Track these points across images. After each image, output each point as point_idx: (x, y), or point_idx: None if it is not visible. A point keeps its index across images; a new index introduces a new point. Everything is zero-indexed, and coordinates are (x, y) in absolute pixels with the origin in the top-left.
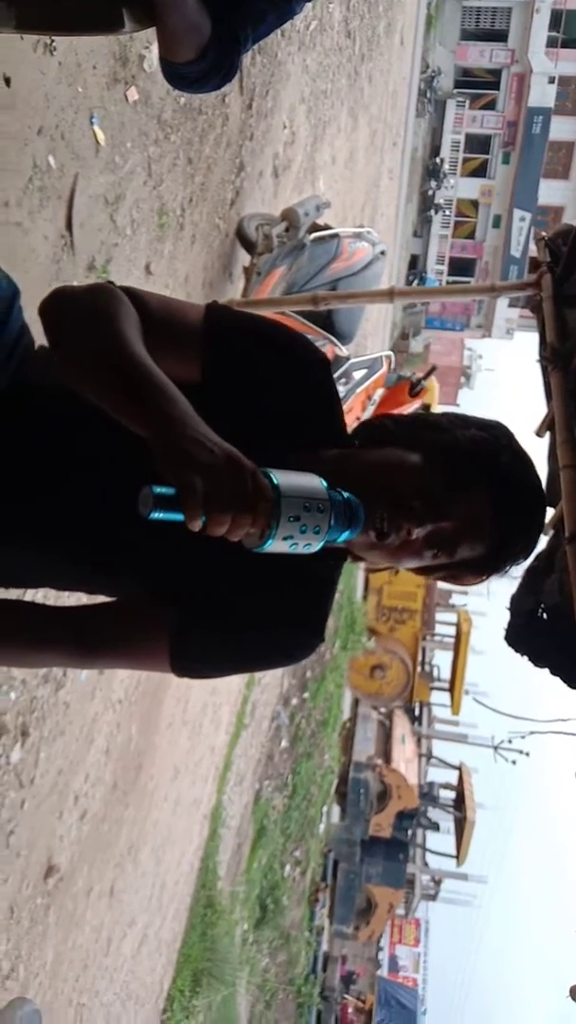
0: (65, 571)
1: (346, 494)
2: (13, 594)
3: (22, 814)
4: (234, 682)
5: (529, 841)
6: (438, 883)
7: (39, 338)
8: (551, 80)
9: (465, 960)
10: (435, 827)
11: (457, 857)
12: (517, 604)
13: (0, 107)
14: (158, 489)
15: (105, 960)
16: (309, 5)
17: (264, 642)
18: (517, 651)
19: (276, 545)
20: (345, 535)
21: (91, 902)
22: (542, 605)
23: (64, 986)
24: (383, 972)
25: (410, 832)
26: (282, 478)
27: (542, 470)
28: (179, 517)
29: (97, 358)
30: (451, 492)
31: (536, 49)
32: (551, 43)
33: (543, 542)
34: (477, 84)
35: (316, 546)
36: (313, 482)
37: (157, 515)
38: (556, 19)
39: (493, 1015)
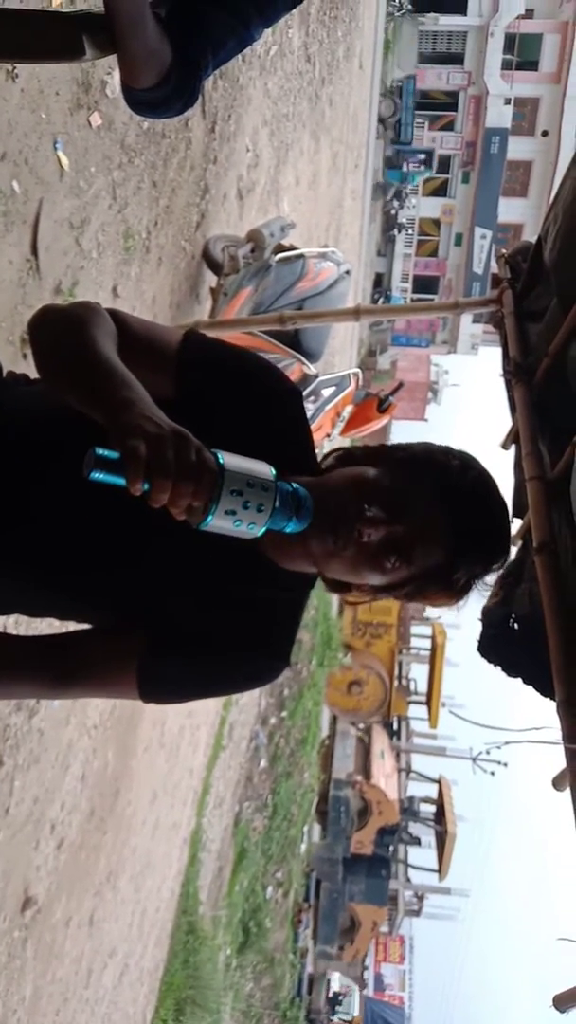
0: (35, 597)
1: (295, 485)
2: None
3: None
4: (211, 703)
5: (510, 851)
6: (421, 899)
7: (8, 366)
8: (507, 101)
9: (450, 975)
10: (416, 842)
11: (439, 871)
12: (489, 615)
13: None
14: (101, 451)
15: (86, 992)
16: (268, 31)
17: (230, 667)
18: (490, 661)
19: (219, 520)
20: (292, 525)
21: (70, 933)
22: (513, 615)
23: (44, 1021)
24: (369, 991)
25: (392, 848)
26: (227, 456)
27: (508, 482)
28: (120, 481)
29: (65, 354)
30: (402, 496)
31: (492, 71)
32: (506, 65)
33: (512, 553)
34: (435, 106)
35: (260, 527)
36: (258, 464)
37: (97, 476)
38: (510, 42)
39: None
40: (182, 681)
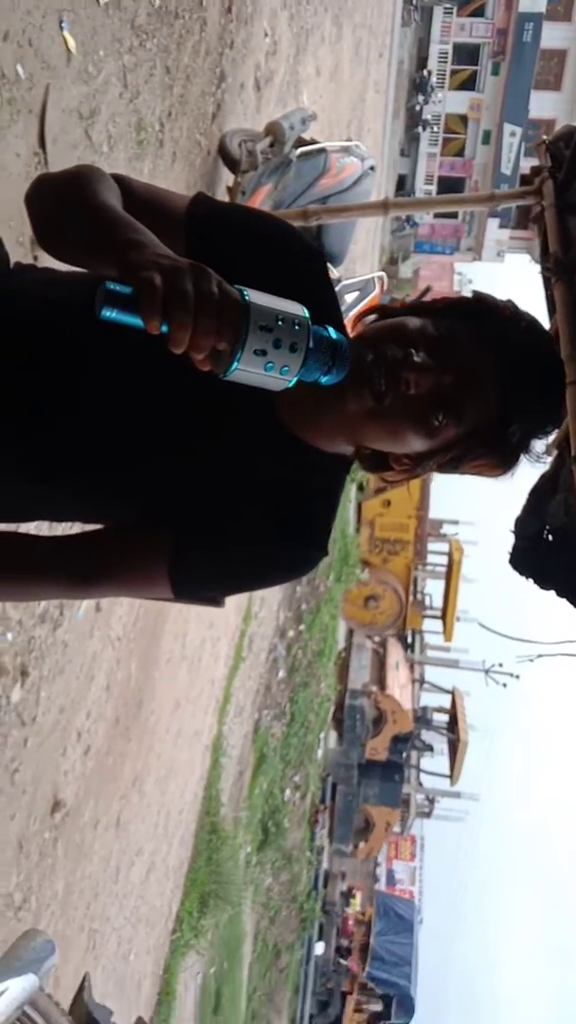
0: (59, 498)
1: (330, 329)
2: (3, 528)
3: (25, 752)
4: (231, 616)
5: (519, 758)
6: (432, 801)
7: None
8: None
9: (459, 872)
10: (429, 749)
11: (451, 777)
12: (522, 527)
13: None
14: (112, 285)
15: (115, 887)
16: None
17: (265, 557)
18: (522, 574)
19: (247, 364)
20: (330, 376)
21: (98, 834)
22: (547, 527)
23: (75, 914)
24: (381, 886)
25: (405, 754)
26: (252, 291)
27: None
28: (135, 320)
29: (67, 209)
30: (450, 342)
31: None
32: None
33: (547, 463)
34: None
35: (295, 371)
36: (287, 301)
37: (109, 314)
38: None
39: (486, 921)
40: (216, 574)
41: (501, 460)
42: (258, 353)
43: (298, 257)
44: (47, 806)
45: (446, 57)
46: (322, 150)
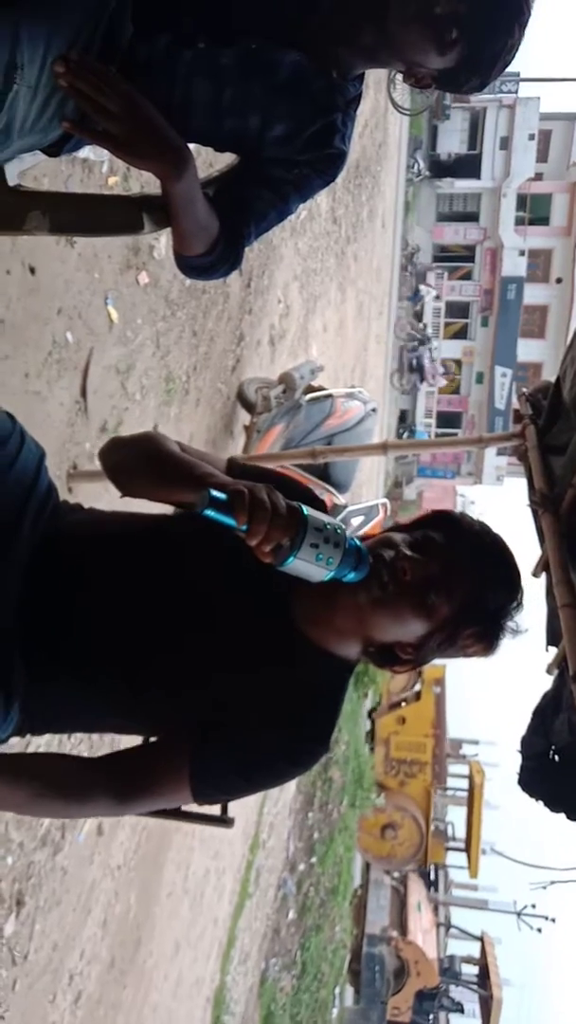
0: (97, 705)
1: (356, 539)
2: (44, 741)
3: (13, 997)
4: (237, 845)
5: (563, 1019)
6: None
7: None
8: (521, 253)
9: None
10: (459, 1008)
11: None
12: (528, 747)
13: (25, 292)
14: (215, 492)
15: None
16: None
17: (271, 749)
18: (531, 795)
19: (304, 553)
20: (355, 574)
21: None
22: (553, 747)
23: None
24: None
25: (432, 1016)
26: (305, 506)
27: (541, 610)
28: (228, 519)
29: (146, 456)
30: (427, 541)
31: (506, 227)
32: (519, 221)
33: (549, 682)
34: (454, 258)
35: (336, 562)
36: (330, 517)
37: (209, 513)
38: (522, 201)
39: None
40: (227, 770)
41: (485, 630)
42: (312, 546)
43: (300, 499)
44: None
45: (439, 313)
46: (329, 395)
